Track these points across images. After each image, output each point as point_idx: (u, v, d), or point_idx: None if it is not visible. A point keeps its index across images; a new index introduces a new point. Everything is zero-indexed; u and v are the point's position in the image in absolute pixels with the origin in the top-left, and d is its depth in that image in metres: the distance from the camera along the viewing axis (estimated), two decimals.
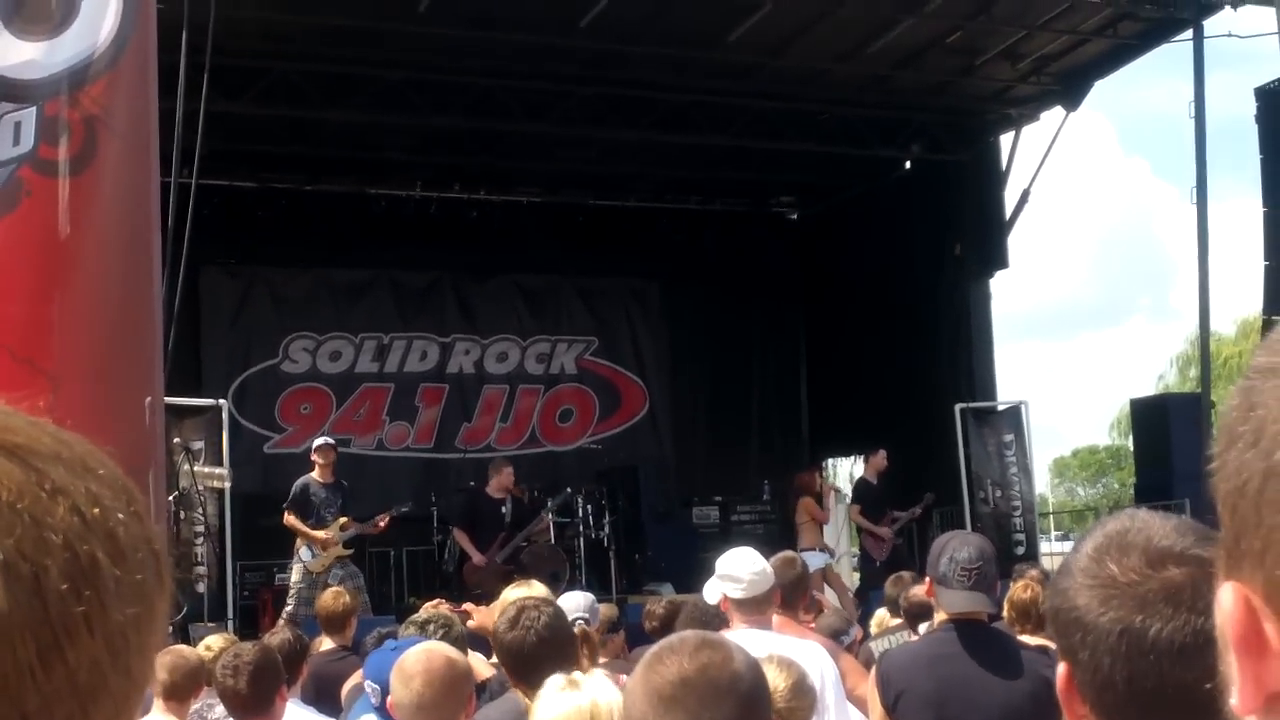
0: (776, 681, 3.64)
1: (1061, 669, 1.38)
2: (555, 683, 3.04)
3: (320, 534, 13.20)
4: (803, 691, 3.73)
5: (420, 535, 16.89)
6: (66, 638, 0.81)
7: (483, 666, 5.79)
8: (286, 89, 15.62)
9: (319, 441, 14.03)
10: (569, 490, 16.51)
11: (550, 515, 15.84)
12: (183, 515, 12.73)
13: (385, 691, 4.24)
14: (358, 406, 19.49)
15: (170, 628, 9.34)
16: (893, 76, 17.23)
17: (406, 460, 19.42)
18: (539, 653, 4.18)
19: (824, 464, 21.52)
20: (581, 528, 16.76)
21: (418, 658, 4.10)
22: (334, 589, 9.46)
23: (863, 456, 17.43)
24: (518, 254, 19.78)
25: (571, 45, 15.36)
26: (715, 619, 5.45)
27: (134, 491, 0.90)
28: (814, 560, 15.72)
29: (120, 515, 0.87)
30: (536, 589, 5.06)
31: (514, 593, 5.07)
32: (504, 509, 14.80)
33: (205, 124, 11.29)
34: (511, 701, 4.68)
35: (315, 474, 13.62)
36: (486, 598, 12.10)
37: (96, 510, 0.85)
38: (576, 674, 3.09)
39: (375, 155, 18.18)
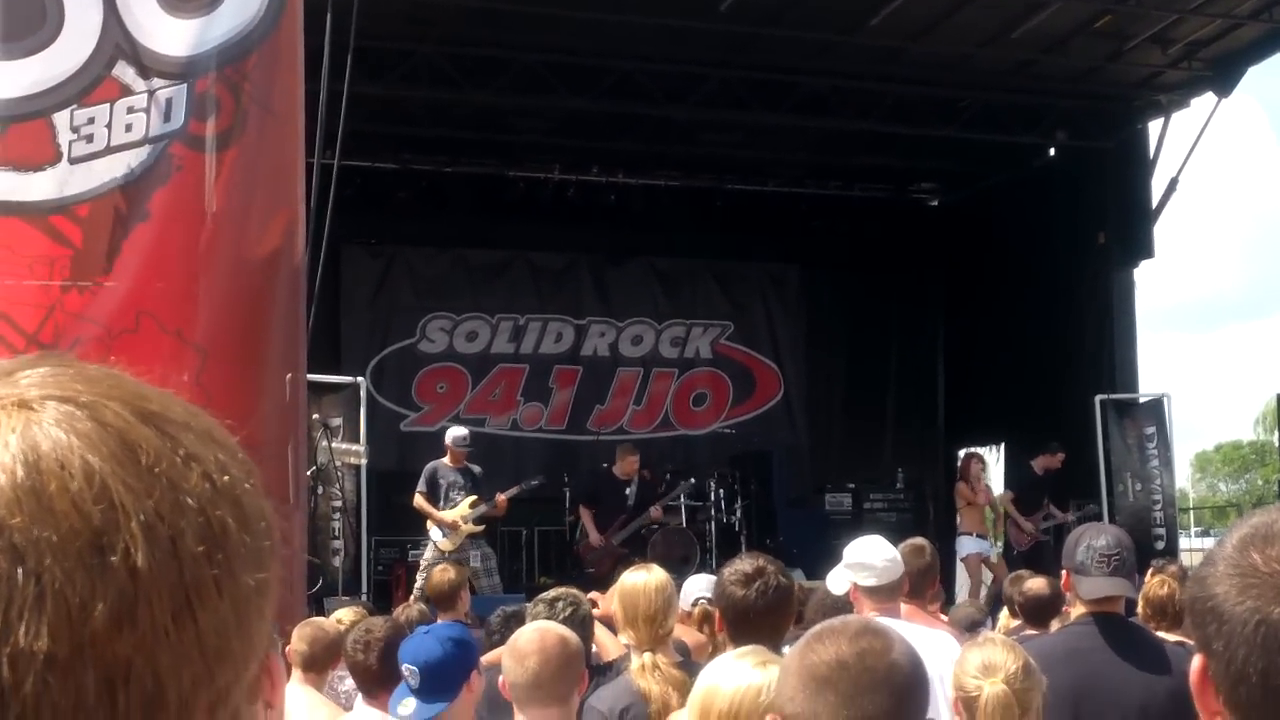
0: (1007, 663, 3.66)
1: (1197, 661, 1.32)
2: (747, 656, 2.98)
3: (447, 515, 13.28)
4: (1030, 671, 3.70)
5: (551, 515, 17.00)
6: (198, 599, 0.83)
7: (612, 644, 5.81)
8: (429, 71, 15.77)
9: (461, 436, 13.82)
10: (693, 480, 16.45)
11: (682, 499, 15.93)
12: (320, 490, 12.93)
13: (423, 674, 4.25)
14: (493, 387, 19.65)
15: (306, 600, 9.45)
16: (1038, 62, 16.93)
17: (540, 441, 19.55)
18: (759, 618, 4.17)
19: (959, 452, 21.35)
20: (713, 512, 16.76)
21: (530, 637, 4.12)
22: (440, 566, 9.52)
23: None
24: (655, 237, 19.80)
25: (712, 29, 15.30)
26: (846, 609, 5.40)
27: (252, 464, 0.92)
28: (966, 545, 15.64)
29: (246, 485, 0.89)
30: (656, 573, 5.05)
31: (631, 576, 5.07)
32: (629, 490, 14.97)
33: (348, 105, 11.40)
34: (625, 681, 4.72)
35: (446, 459, 13.69)
36: (599, 581, 12.19)
37: (225, 478, 0.87)
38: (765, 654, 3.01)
39: (515, 138, 18.30)
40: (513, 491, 13.81)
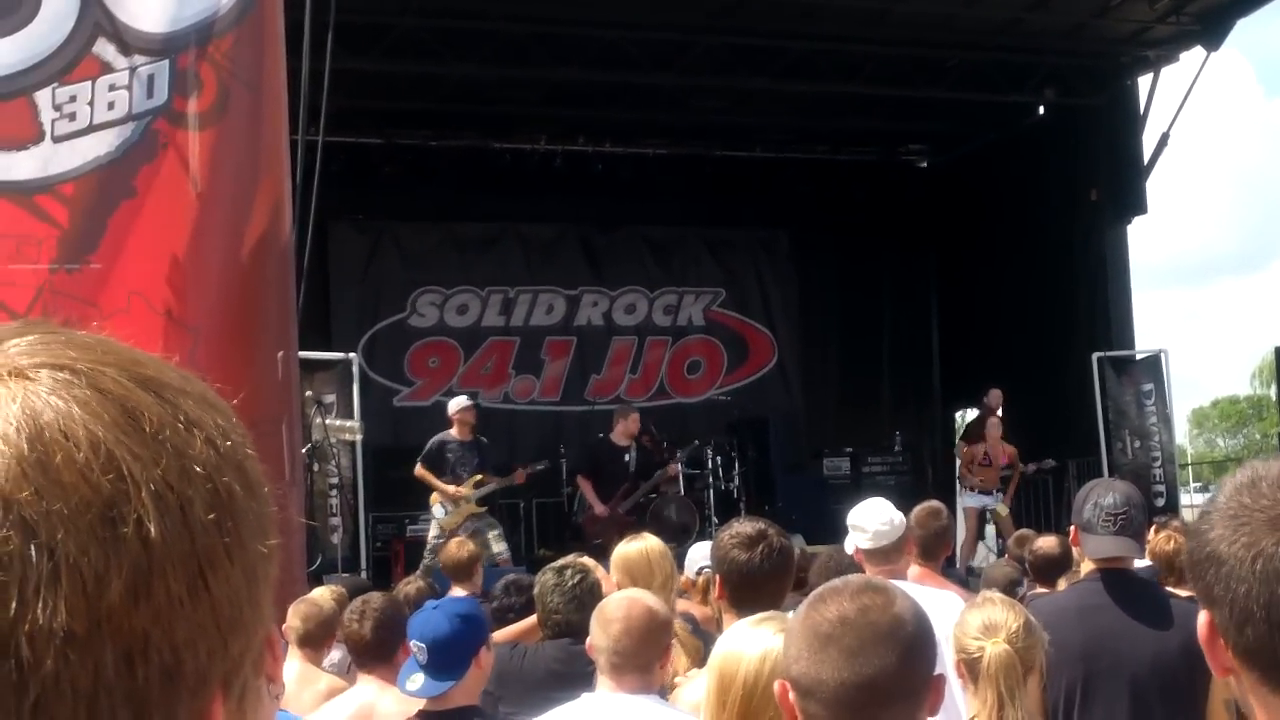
0: (1008, 622, 3.66)
1: (1203, 618, 1.32)
2: (767, 622, 2.93)
3: (450, 488, 13.11)
4: (1032, 629, 3.70)
5: (549, 487, 16.94)
6: (211, 569, 0.82)
7: None
8: (411, 44, 15.66)
9: (462, 403, 13.68)
10: (697, 443, 16.40)
11: (681, 467, 15.78)
12: (316, 468, 12.89)
13: (431, 651, 4.22)
14: (485, 360, 19.60)
15: (306, 578, 9.42)
16: (1025, 19, 16.84)
17: (532, 414, 19.51)
18: (763, 581, 4.13)
19: (955, 414, 21.33)
20: (711, 479, 16.72)
21: (619, 604, 4.07)
22: (457, 539, 9.53)
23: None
24: (644, 205, 19.73)
25: None
26: (850, 570, 5.37)
27: (245, 429, 0.91)
28: (968, 498, 15.63)
29: (247, 450, 0.88)
30: (651, 542, 5.01)
31: (625, 547, 5.03)
32: (628, 457, 14.70)
33: (331, 81, 11.31)
34: None
35: (453, 430, 13.52)
36: (607, 552, 12.09)
37: (228, 443, 0.86)
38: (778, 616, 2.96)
39: (500, 109, 18.20)
40: (528, 470, 13.76)
